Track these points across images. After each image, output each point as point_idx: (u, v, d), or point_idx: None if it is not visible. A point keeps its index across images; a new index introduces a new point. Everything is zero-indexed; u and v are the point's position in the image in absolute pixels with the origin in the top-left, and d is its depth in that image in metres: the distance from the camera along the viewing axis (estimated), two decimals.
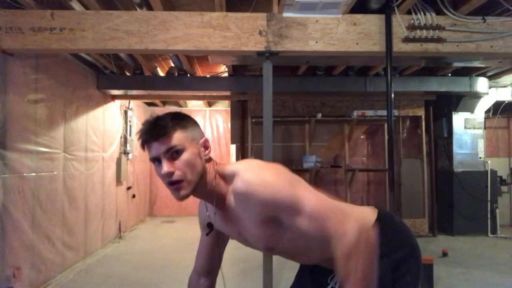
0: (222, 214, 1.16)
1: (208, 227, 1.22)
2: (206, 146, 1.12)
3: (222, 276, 1.36)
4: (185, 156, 1.04)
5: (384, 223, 1.19)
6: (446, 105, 5.77)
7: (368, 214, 1.22)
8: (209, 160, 1.13)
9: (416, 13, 3.01)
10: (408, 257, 1.18)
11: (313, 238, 1.03)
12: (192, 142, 1.08)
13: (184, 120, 1.10)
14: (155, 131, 1.04)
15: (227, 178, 1.11)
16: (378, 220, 1.19)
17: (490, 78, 5.26)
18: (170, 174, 1.03)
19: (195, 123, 1.14)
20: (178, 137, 1.05)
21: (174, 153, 1.04)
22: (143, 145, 1.07)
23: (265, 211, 1.03)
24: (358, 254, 0.94)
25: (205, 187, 1.10)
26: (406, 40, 3.01)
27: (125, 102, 5.81)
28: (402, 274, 1.15)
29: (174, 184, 1.05)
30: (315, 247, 1.11)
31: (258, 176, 1.03)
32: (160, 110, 7.70)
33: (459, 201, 5.60)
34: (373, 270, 0.97)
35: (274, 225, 1.06)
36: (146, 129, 1.06)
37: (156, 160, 1.06)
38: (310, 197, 1.01)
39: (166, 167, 1.03)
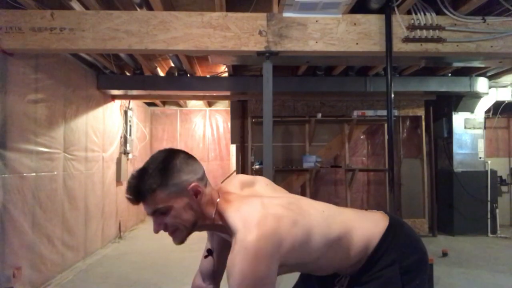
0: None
1: (207, 252, 1.23)
2: (196, 192, 1.05)
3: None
4: (172, 213, 1.03)
5: (395, 230, 1.21)
6: (446, 105, 5.77)
7: (379, 221, 1.23)
8: (206, 200, 1.08)
9: (416, 13, 3.01)
10: (417, 263, 1.20)
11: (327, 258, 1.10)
12: (178, 196, 1.03)
13: (165, 174, 1.02)
14: (135, 196, 1.02)
15: (227, 227, 1.05)
16: (390, 226, 1.21)
17: (490, 78, 5.26)
18: (159, 230, 1.05)
19: (181, 169, 1.05)
20: (159, 198, 1.01)
21: (160, 212, 1.03)
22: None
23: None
24: None
25: (204, 226, 1.10)
26: (406, 40, 3.01)
27: (125, 102, 5.81)
28: (412, 279, 1.17)
29: (169, 235, 1.07)
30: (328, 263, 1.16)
31: (240, 260, 0.94)
32: (160, 110, 7.71)
33: (459, 201, 5.59)
34: None
35: None
36: (128, 191, 1.04)
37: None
38: None
39: (155, 226, 1.05)
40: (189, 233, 1.07)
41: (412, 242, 1.23)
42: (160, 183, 1.01)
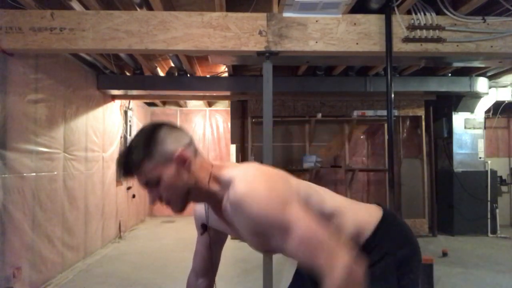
0: (219, 214, 1.16)
1: (202, 228, 1.23)
2: (183, 160, 1.04)
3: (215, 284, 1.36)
4: (163, 183, 1.04)
5: (389, 221, 1.20)
6: (446, 105, 5.77)
7: (373, 211, 1.23)
8: (197, 167, 1.08)
9: (416, 13, 3.01)
10: (411, 255, 1.18)
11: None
12: (165, 164, 1.03)
13: (149, 146, 1.03)
14: (124, 172, 1.06)
15: (223, 184, 1.07)
16: (384, 217, 1.20)
17: (490, 78, 5.26)
18: (156, 202, 1.08)
19: (165, 139, 1.05)
20: (147, 169, 1.02)
21: (152, 184, 1.05)
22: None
23: (255, 227, 1.00)
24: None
25: (199, 194, 1.10)
26: (406, 40, 3.01)
27: (125, 102, 5.81)
28: (406, 272, 1.16)
29: (166, 206, 1.08)
30: None
31: (252, 191, 0.97)
32: (160, 110, 7.71)
33: (459, 201, 5.60)
34: None
35: (267, 238, 1.01)
36: (118, 167, 1.07)
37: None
38: (302, 222, 0.94)
39: (150, 198, 1.08)
40: (185, 202, 1.08)
41: (405, 234, 1.22)
42: (145, 155, 1.02)
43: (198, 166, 1.08)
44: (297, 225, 0.93)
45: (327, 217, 1.13)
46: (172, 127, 1.10)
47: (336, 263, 0.89)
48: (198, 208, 1.30)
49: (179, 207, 1.08)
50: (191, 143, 1.10)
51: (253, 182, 0.99)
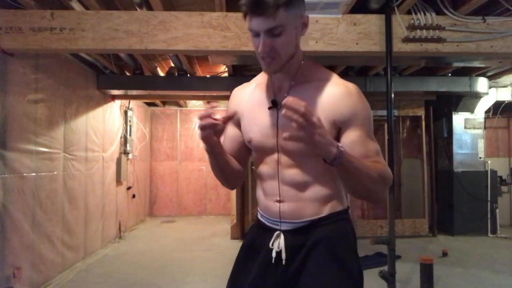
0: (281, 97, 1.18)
1: (272, 103, 1.19)
2: (305, 23, 1.12)
3: None
4: (283, 37, 1.06)
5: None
6: (446, 105, 5.77)
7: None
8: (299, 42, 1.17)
9: (416, 13, 3.01)
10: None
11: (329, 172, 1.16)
12: (293, 20, 1.08)
13: None
14: (258, 8, 1.03)
15: (320, 71, 1.18)
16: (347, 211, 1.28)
17: (490, 78, 5.26)
18: (266, 51, 1.07)
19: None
20: (280, 16, 1.04)
21: (273, 32, 1.05)
22: (244, 16, 1.09)
23: (350, 115, 1.12)
24: (385, 181, 1.13)
25: (289, 67, 1.15)
26: (406, 40, 3.01)
27: (125, 102, 5.81)
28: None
29: (266, 59, 1.10)
30: (317, 175, 1.19)
31: (362, 98, 1.18)
32: (160, 110, 7.71)
33: (459, 201, 5.60)
34: (378, 185, 1.12)
35: (337, 127, 1.14)
36: (250, 2, 1.04)
37: (254, 32, 1.08)
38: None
39: (263, 45, 1.06)
40: (283, 66, 1.12)
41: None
42: (285, 2, 1.04)
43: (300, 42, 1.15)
44: (375, 140, 1.18)
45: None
46: None
47: (386, 166, 1.15)
48: (243, 92, 1.32)
49: (276, 68, 1.11)
50: None
51: (360, 93, 1.19)
